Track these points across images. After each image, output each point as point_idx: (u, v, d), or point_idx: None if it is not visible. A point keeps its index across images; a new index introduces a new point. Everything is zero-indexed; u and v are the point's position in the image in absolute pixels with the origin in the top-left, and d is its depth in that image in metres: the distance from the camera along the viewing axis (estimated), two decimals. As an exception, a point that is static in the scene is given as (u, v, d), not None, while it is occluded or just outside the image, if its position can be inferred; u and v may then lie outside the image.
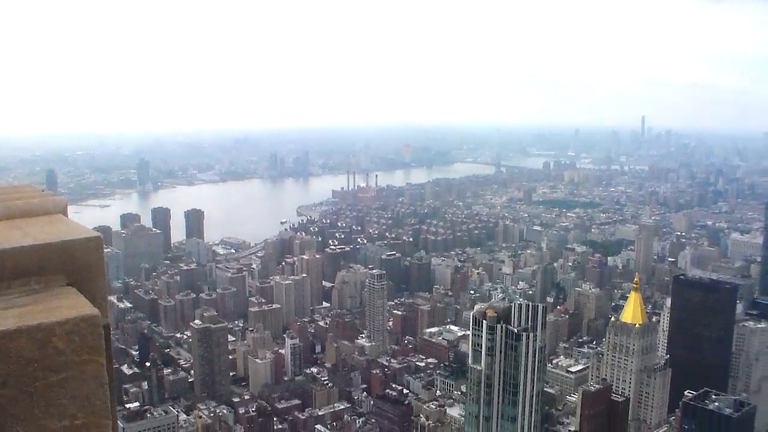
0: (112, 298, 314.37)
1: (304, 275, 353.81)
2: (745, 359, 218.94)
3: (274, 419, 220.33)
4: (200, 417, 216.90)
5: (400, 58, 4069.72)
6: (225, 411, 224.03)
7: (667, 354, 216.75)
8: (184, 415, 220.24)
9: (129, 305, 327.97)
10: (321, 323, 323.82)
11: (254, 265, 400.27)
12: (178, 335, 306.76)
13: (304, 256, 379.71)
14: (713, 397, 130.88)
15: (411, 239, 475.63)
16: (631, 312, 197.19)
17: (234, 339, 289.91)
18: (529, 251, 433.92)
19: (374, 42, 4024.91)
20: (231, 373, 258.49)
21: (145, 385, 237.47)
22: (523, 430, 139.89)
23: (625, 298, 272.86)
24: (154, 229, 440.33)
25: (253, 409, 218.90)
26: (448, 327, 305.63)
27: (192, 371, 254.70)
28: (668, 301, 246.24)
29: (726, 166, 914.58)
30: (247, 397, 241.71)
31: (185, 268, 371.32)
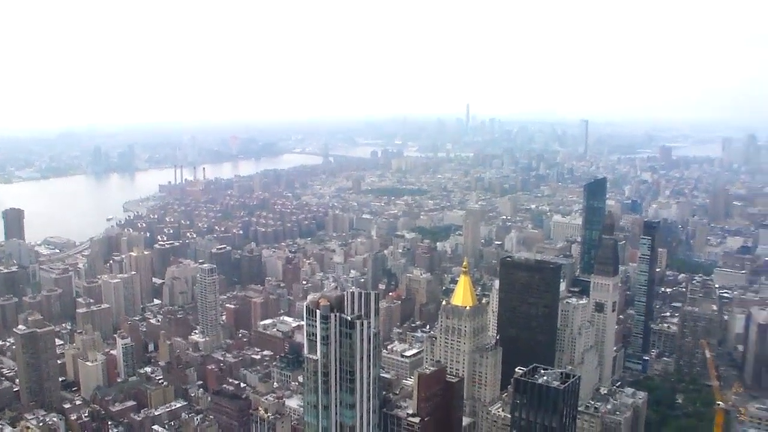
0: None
1: (133, 273, 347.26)
2: (569, 334, 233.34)
3: (109, 423, 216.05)
4: (28, 428, 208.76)
5: (224, 55, 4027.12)
6: (55, 419, 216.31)
7: (497, 333, 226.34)
8: (10, 428, 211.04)
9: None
10: (153, 321, 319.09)
11: (80, 265, 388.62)
12: (0, 342, 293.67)
13: (132, 253, 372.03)
14: (542, 371, 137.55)
15: (241, 232, 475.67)
16: (462, 295, 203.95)
17: (62, 342, 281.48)
18: (359, 240, 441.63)
19: (199, 40, 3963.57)
20: (60, 379, 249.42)
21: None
22: (361, 417, 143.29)
23: (455, 281, 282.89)
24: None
25: (86, 414, 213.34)
26: (281, 318, 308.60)
27: (17, 380, 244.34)
28: (496, 283, 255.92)
29: (547, 152, 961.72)
30: (78, 402, 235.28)
31: (5, 270, 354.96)
